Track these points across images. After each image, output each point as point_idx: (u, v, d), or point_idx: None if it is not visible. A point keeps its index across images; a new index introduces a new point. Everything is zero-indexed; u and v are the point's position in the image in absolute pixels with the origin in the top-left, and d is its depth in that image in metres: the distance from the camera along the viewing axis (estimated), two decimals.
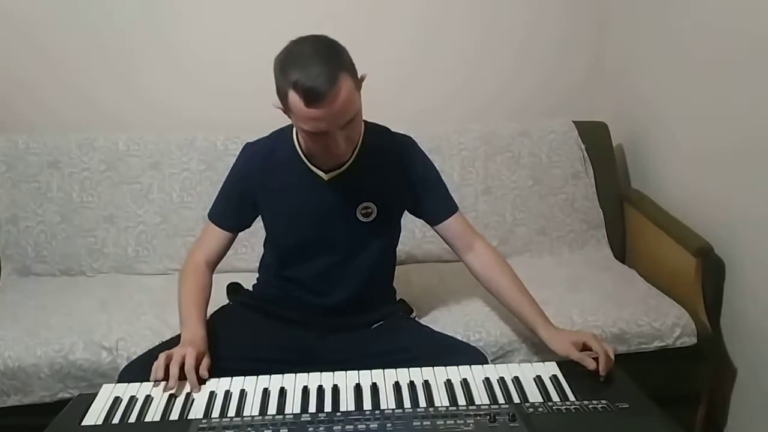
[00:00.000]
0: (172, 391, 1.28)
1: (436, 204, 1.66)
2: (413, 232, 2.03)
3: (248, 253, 2.18)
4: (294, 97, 1.30)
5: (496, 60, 2.63)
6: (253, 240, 2.13)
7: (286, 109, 1.36)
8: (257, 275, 1.78)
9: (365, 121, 1.55)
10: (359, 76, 1.38)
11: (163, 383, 1.30)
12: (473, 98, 2.64)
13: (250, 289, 1.75)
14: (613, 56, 2.63)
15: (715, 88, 2.01)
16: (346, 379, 1.32)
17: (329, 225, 1.57)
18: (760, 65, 1.81)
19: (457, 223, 1.66)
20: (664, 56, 2.28)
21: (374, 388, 1.28)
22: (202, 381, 1.32)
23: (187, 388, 1.30)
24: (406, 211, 1.69)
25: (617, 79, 2.61)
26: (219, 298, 1.66)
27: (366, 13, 2.47)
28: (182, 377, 1.31)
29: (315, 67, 1.27)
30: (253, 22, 2.47)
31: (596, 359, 1.38)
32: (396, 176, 1.59)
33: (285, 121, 1.60)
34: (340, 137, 1.36)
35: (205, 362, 1.36)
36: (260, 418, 1.18)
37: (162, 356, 1.32)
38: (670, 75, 2.26)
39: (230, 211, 1.63)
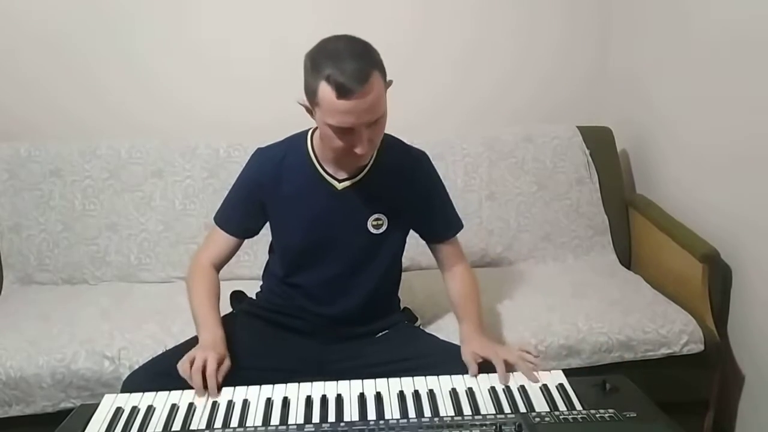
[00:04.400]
0: (202, 396, 1.30)
1: (436, 225, 1.67)
2: (417, 239, 2.01)
3: (251, 260, 2.17)
4: (325, 90, 1.30)
5: (499, 64, 2.62)
6: (256, 247, 2.12)
7: (313, 104, 1.36)
8: (260, 283, 1.77)
9: None
10: (387, 80, 1.39)
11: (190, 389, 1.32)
12: (476, 103, 2.64)
13: (253, 297, 1.74)
14: (617, 60, 2.62)
15: (720, 92, 2.00)
16: (350, 389, 1.31)
17: (339, 235, 1.57)
18: (765, 70, 1.80)
19: (448, 248, 1.68)
20: (668, 60, 2.27)
21: (378, 397, 1.27)
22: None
23: (190, 398, 1.29)
24: None
25: (621, 84, 2.60)
26: (222, 307, 1.64)
27: (368, 15, 2.46)
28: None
29: (349, 61, 1.29)
30: (256, 31, 2.48)
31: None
32: (409, 190, 1.59)
33: (292, 127, 1.60)
34: (365, 136, 1.36)
35: (225, 367, 1.36)
36: (263, 428, 1.17)
37: (186, 362, 1.32)
38: (674, 79, 2.25)
39: (238, 217, 1.62)
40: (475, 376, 1.36)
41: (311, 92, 1.34)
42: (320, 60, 1.32)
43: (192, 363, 1.32)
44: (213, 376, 1.30)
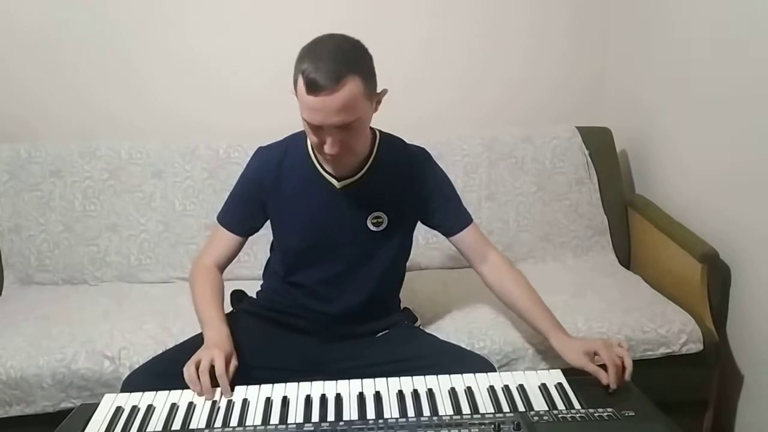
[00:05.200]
0: (211, 399, 1.29)
1: (449, 216, 1.66)
2: (417, 240, 2.02)
3: (251, 261, 2.17)
4: (300, 83, 1.33)
5: (499, 66, 2.62)
6: (256, 248, 2.12)
7: (295, 95, 1.38)
8: (261, 282, 1.78)
9: (380, 132, 1.57)
10: (378, 90, 1.40)
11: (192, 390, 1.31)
12: (476, 104, 2.64)
13: (254, 296, 1.75)
14: (616, 61, 2.63)
15: (718, 93, 2.00)
16: (349, 388, 1.31)
17: (339, 233, 1.57)
18: (762, 71, 1.80)
19: (470, 235, 1.66)
20: (667, 62, 2.28)
21: (377, 397, 1.27)
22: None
23: (190, 397, 1.29)
24: (418, 222, 1.69)
25: (621, 85, 2.60)
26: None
27: (370, 18, 2.46)
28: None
29: (328, 60, 1.30)
30: (257, 32, 2.48)
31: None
32: (409, 188, 1.59)
33: (292, 128, 1.61)
34: (336, 137, 1.36)
35: (232, 366, 1.36)
36: (263, 427, 1.17)
37: (192, 365, 1.32)
38: (673, 80, 2.25)
39: (241, 216, 1.63)
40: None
41: (294, 84, 1.37)
42: (305, 54, 1.34)
43: (198, 365, 1.32)
44: (223, 376, 1.30)
